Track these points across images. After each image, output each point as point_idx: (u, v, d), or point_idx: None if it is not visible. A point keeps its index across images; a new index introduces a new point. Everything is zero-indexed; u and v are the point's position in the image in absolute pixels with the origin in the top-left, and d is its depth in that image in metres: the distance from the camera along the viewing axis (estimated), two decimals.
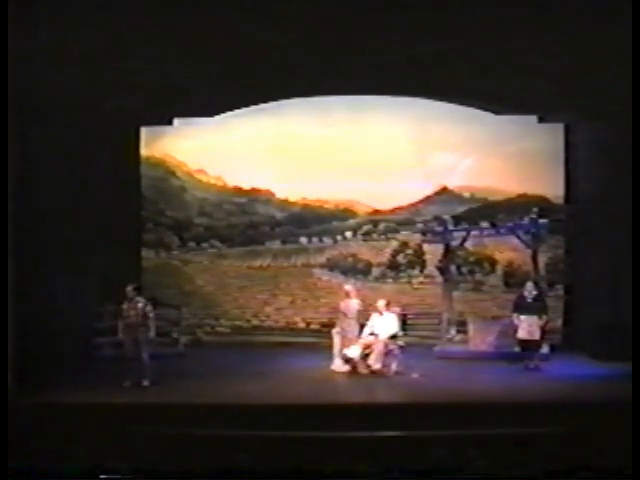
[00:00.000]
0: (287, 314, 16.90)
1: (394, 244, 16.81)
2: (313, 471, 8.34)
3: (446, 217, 16.02)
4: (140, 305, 12.68)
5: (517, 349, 14.06)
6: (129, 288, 12.76)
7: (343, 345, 13.82)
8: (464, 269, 16.51)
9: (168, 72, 13.72)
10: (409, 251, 16.78)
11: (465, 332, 15.37)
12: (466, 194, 16.62)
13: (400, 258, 16.81)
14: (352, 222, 16.90)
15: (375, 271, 16.80)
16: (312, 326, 16.65)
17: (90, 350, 14.39)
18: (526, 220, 15.19)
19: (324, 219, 16.92)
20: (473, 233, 15.77)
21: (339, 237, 16.95)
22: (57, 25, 11.89)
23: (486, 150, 16.43)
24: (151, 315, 12.67)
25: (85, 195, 14.89)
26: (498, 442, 9.44)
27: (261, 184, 16.94)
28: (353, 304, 14.00)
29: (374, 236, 16.85)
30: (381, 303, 13.89)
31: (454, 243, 15.78)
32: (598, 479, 8.06)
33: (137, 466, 8.47)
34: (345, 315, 13.95)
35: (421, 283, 16.72)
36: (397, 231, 16.79)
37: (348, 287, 14.38)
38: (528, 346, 13.73)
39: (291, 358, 14.86)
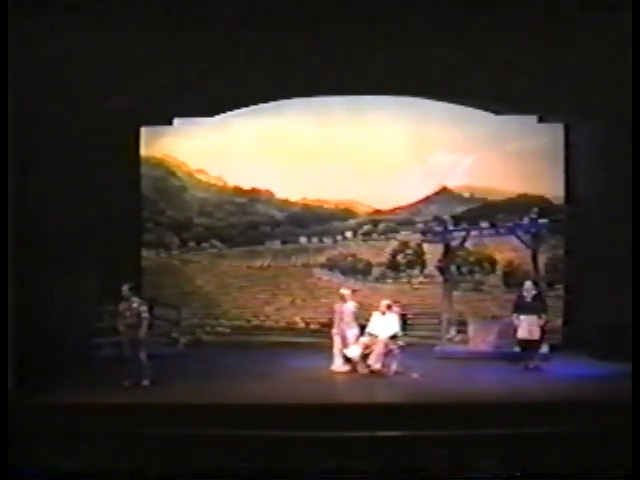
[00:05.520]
0: (287, 314, 16.91)
1: (394, 244, 16.83)
2: (313, 471, 8.35)
3: (446, 217, 16.02)
4: (135, 305, 12.65)
5: (517, 349, 14.07)
6: (125, 288, 12.72)
7: (343, 345, 13.83)
8: (464, 269, 16.53)
9: (168, 72, 13.72)
10: (409, 251, 16.80)
11: (465, 332, 15.38)
12: (466, 194, 16.63)
13: (400, 258, 16.82)
14: (352, 222, 16.91)
15: (375, 271, 16.82)
16: (312, 326, 16.66)
17: (90, 350, 14.38)
18: (526, 220, 15.18)
19: (324, 219, 16.93)
20: (473, 233, 15.76)
21: (339, 237, 16.96)
22: (57, 25, 11.90)
23: (486, 150, 16.44)
24: (145, 315, 12.63)
25: (85, 195, 14.88)
26: (498, 442, 9.44)
27: (261, 184, 16.95)
28: (349, 307, 14.00)
29: (374, 236, 16.86)
30: (384, 303, 13.89)
31: (454, 243, 15.78)
32: (598, 479, 8.07)
33: (137, 466, 8.48)
34: (341, 318, 13.95)
35: (421, 283, 16.73)
36: (397, 231, 16.81)
37: (344, 291, 14.34)
38: (528, 346, 13.73)
39: (291, 358, 14.86)
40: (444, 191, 16.63)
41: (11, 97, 10.95)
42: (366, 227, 16.88)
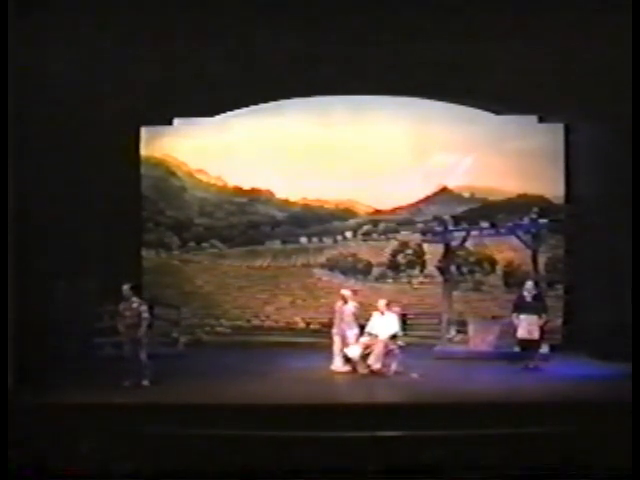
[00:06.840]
0: (287, 314, 16.90)
1: (394, 244, 16.81)
2: (313, 471, 8.34)
3: (446, 217, 16.02)
4: (135, 305, 12.64)
5: (517, 349, 14.06)
6: (125, 287, 12.71)
7: (343, 345, 13.83)
8: (464, 269, 16.51)
9: (168, 72, 13.73)
10: (409, 251, 16.78)
11: (465, 332, 15.37)
12: (466, 194, 16.61)
13: (400, 258, 16.80)
14: (352, 222, 16.89)
15: (375, 271, 16.80)
16: (312, 326, 16.64)
17: (90, 350, 14.38)
18: (526, 220, 15.18)
19: (324, 219, 16.91)
20: (473, 233, 15.75)
21: (339, 237, 16.94)
22: (57, 25, 11.92)
23: (486, 150, 16.42)
24: (145, 315, 12.62)
25: (85, 195, 14.89)
26: (498, 442, 9.44)
27: (261, 184, 16.93)
28: (349, 307, 13.99)
29: (374, 236, 16.84)
30: (382, 303, 13.89)
31: (454, 243, 15.78)
32: (598, 479, 8.07)
33: (137, 466, 8.48)
34: (341, 318, 13.95)
35: (421, 283, 16.72)
36: (397, 231, 16.79)
37: (344, 292, 14.33)
38: (528, 346, 13.72)
39: (291, 358, 14.84)
40: (444, 191, 16.61)
41: (11, 97, 10.96)
42: (366, 227, 16.86)
